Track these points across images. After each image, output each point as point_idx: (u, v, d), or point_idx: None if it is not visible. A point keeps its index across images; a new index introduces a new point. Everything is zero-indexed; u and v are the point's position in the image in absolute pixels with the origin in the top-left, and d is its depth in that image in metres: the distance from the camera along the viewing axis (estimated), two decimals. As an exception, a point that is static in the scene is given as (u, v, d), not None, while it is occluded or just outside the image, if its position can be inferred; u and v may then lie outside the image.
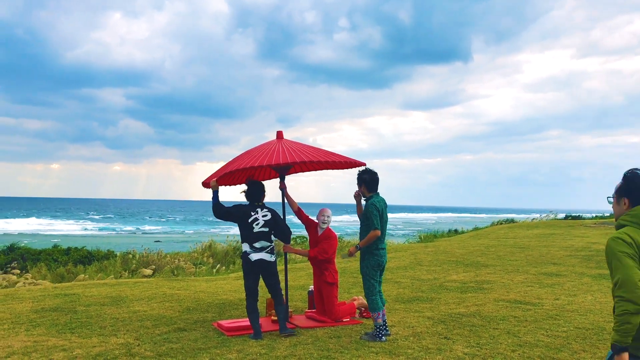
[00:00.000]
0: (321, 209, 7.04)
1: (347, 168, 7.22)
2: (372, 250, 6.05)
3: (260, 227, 6.15)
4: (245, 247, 6.16)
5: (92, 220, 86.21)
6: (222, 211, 6.25)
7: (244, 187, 6.51)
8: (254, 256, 6.11)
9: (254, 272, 6.18)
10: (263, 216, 6.20)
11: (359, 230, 6.27)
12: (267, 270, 6.21)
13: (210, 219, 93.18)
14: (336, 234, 7.22)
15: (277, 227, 6.29)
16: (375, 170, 6.25)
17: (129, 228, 69.74)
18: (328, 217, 6.97)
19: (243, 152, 7.12)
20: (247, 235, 6.15)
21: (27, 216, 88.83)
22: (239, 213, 6.21)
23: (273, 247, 6.26)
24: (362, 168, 6.38)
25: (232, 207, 6.28)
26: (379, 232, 5.95)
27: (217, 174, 6.74)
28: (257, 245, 6.12)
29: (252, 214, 6.19)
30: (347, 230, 46.90)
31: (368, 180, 6.17)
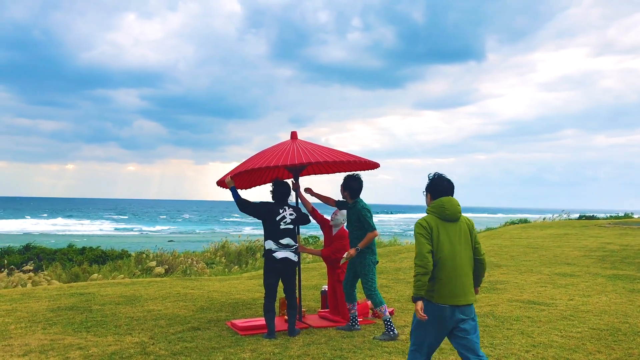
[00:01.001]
0: (336, 209, 7.05)
1: (362, 169, 7.23)
2: (369, 249, 6.31)
3: (287, 225, 6.24)
4: (270, 244, 6.20)
5: (107, 220, 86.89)
6: (248, 206, 6.35)
7: (259, 188, 6.60)
8: (279, 254, 6.17)
9: (277, 269, 6.22)
10: (290, 214, 6.30)
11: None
12: (290, 270, 6.28)
13: (224, 219, 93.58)
14: None
15: (302, 221, 6.51)
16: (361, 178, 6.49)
17: (142, 228, 70.22)
18: (342, 216, 6.98)
19: (257, 152, 7.15)
20: (274, 231, 6.21)
21: (43, 216, 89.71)
22: (266, 209, 6.29)
23: (297, 247, 6.35)
24: (355, 173, 6.54)
25: (259, 203, 6.38)
26: (377, 233, 6.26)
27: (230, 174, 6.78)
28: (283, 242, 6.19)
29: (280, 211, 6.28)
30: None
31: (355, 188, 6.37)
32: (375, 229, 6.22)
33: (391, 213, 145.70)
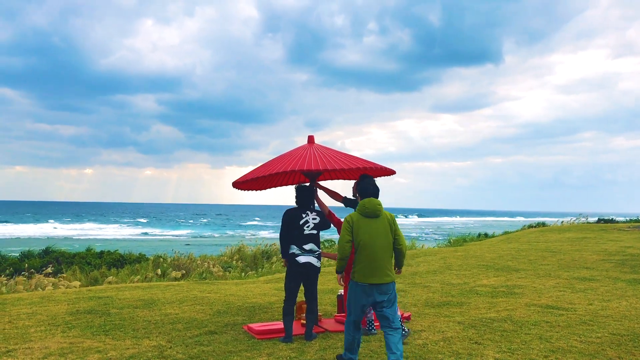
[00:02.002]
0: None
1: (378, 176, 7.21)
2: None
3: (311, 230, 6.26)
4: (294, 249, 6.23)
5: (124, 224, 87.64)
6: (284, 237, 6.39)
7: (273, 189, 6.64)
8: (302, 259, 6.19)
9: (299, 274, 6.24)
10: (313, 219, 6.32)
11: None
12: (312, 275, 6.29)
13: (240, 222, 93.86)
14: None
15: (324, 226, 6.47)
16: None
17: (159, 231, 70.71)
18: None
19: (275, 156, 7.18)
20: (297, 236, 6.23)
21: (64, 220, 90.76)
22: (289, 219, 6.31)
23: (320, 252, 6.36)
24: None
25: (284, 220, 6.36)
26: None
27: (247, 177, 6.82)
28: (306, 247, 6.21)
29: (304, 216, 6.31)
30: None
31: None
32: None
33: (407, 217, 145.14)
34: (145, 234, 66.87)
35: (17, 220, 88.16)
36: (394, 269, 5.23)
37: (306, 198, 6.44)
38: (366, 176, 5.71)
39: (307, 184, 6.71)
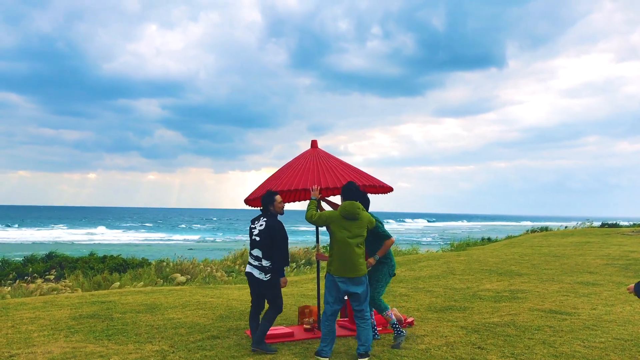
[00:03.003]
0: None
1: (378, 193, 7.19)
2: (387, 258, 6.36)
3: (255, 236, 6.00)
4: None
5: (127, 228, 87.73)
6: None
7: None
8: (247, 268, 6.05)
9: (248, 281, 6.07)
10: (260, 225, 6.02)
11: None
12: (254, 286, 6.01)
13: (243, 227, 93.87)
14: None
15: (272, 242, 5.91)
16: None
17: (162, 236, 70.77)
18: None
19: (283, 166, 7.14)
20: (250, 242, 6.09)
21: (65, 225, 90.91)
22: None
23: (265, 267, 5.89)
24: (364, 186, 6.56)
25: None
26: (394, 239, 6.27)
27: (257, 194, 6.79)
28: (253, 252, 5.97)
29: (255, 222, 6.09)
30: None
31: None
32: (391, 236, 6.16)
33: (404, 221, 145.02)
34: (148, 238, 66.93)
35: (22, 224, 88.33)
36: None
37: (264, 202, 6.12)
38: (351, 182, 5.87)
39: (271, 191, 6.31)
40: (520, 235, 24.76)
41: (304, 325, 6.81)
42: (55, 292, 11.71)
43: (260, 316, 6.08)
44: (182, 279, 13.50)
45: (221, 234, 78.60)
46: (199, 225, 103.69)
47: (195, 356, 5.65)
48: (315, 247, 6.48)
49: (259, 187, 6.99)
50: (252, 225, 6.09)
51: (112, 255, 19.88)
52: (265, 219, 5.98)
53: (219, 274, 14.90)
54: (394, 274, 6.50)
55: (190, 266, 15.75)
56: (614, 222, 32.24)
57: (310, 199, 6.06)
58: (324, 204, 7.00)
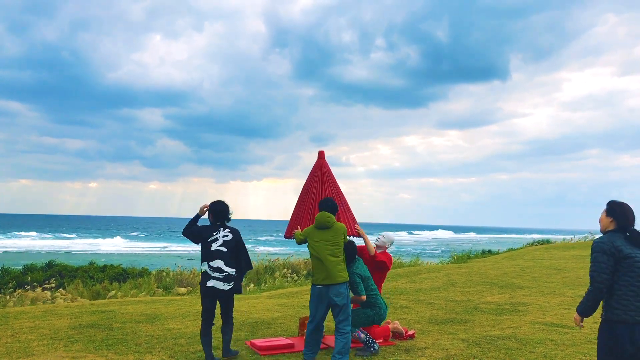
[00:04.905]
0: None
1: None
2: (374, 306, 6.53)
3: (218, 247, 5.92)
4: (204, 266, 5.92)
5: (128, 238, 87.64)
6: (187, 230, 6.09)
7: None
8: (210, 282, 5.84)
9: (208, 295, 5.89)
10: (223, 236, 5.99)
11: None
12: (221, 298, 5.96)
13: (243, 237, 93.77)
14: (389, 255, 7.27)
15: (239, 251, 6.06)
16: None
17: (163, 245, 70.67)
18: (388, 239, 7.21)
19: (302, 191, 7.34)
20: (205, 254, 5.92)
21: (66, 234, 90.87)
22: (201, 232, 6.03)
23: (231, 275, 5.90)
24: (351, 237, 6.75)
25: (200, 227, 6.12)
26: (364, 298, 6.39)
27: (291, 225, 7.06)
28: (213, 264, 5.84)
29: (214, 233, 5.99)
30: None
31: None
32: (362, 294, 6.34)
33: (411, 232, 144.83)
34: (149, 248, 66.82)
35: (24, 232, 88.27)
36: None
37: (219, 212, 6.11)
38: (329, 198, 6.34)
39: (221, 200, 6.25)
40: (521, 248, 24.70)
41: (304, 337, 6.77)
42: (55, 302, 11.66)
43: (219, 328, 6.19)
44: (182, 290, 13.45)
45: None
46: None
47: (195, 367, 5.62)
48: None
49: (291, 220, 7.19)
50: (213, 237, 5.94)
51: (112, 265, 19.82)
52: (228, 230, 6.08)
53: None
54: (378, 323, 6.55)
55: (191, 276, 15.70)
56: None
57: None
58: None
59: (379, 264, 6.96)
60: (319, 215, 6.00)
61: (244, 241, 6.23)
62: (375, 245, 7.08)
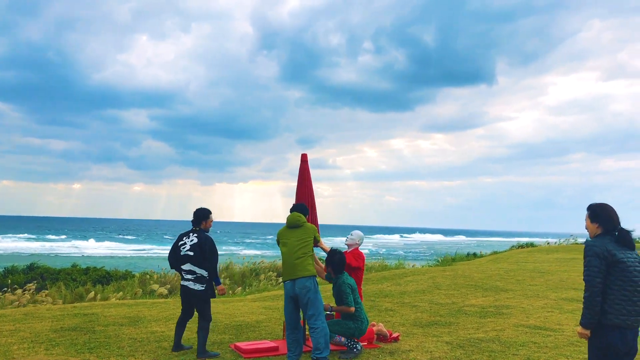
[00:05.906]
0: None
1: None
2: (356, 320, 6.44)
3: (186, 251, 6.34)
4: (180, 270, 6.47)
5: (112, 240, 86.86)
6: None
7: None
8: (182, 282, 6.42)
9: (182, 293, 6.49)
10: (191, 241, 6.39)
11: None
12: (191, 298, 6.41)
13: (228, 240, 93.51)
14: (364, 255, 7.25)
15: (203, 255, 6.35)
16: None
17: (147, 248, 70.16)
18: (358, 236, 7.21)
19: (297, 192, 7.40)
20: (178, 259, 6.41)
21: (48, 236, 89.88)
22: (174, 247, 6.52)
23: (203, 277, 6.34)
24: (338, 248, 6.77)
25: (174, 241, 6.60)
26: (353, 310, 6.35)
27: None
28: (185, 267, 6.34)
29: (184, 238, 6.46)
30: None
31: (338, 263, 6.49)
32: (351, 305, 6.35)
33: (403, 236, 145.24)
34: (133, 250, 66.31)
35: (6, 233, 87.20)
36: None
37: (195, 218, 6.58)
38: (300, 203, 6.69)
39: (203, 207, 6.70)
40: (505, 251, 24.85)
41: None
42: (36, 304, 11.52)
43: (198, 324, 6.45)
44: (162, 290, 13.35)
45: (206, 246, 77.80)
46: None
47: (178, 370, 5.57)
48: None
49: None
50: (181, 242, 6.42)
51: (95, 267, 19.64)
52: (196, 235, 6.41)
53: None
54: (358, 337, 6.42)
55: (175, 278, 15.60)
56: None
57: None
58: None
59: (355, 269, 6.98)
60: (290, 216, 6.27)
61: (228, 244, 6.48)
62: (346, 244, 7.16)
